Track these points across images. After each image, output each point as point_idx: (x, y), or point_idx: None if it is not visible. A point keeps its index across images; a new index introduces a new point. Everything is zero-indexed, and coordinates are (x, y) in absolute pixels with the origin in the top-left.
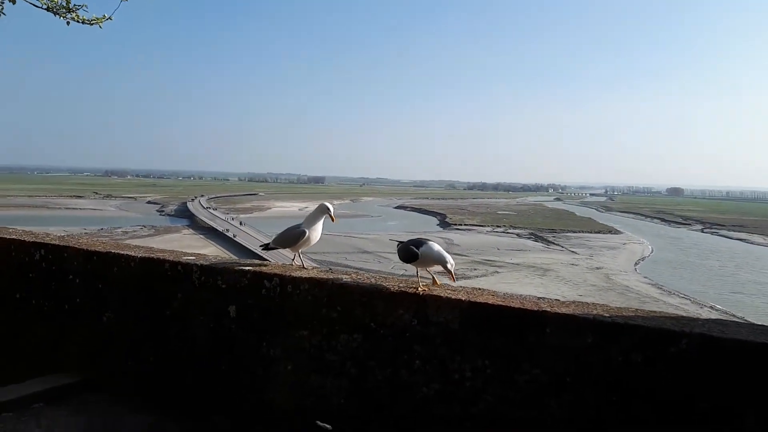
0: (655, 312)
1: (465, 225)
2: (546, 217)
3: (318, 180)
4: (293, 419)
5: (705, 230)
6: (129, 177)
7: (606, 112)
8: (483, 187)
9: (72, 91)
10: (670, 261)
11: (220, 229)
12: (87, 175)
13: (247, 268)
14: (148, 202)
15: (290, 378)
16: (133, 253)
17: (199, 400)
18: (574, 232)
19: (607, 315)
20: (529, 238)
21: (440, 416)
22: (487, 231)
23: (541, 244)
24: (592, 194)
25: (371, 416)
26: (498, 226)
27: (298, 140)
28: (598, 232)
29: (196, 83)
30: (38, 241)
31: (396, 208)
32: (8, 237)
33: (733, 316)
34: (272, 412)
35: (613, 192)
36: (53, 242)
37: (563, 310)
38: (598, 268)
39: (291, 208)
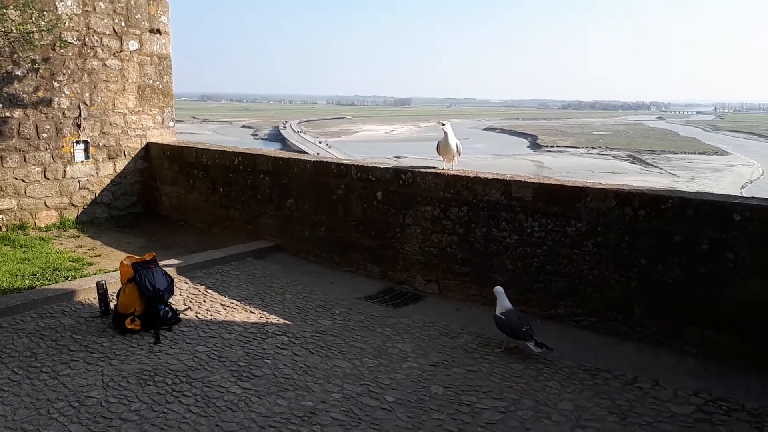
0: (657, 188)
1: (557, 147)
2: (646, 138)
3: (404, 102)
4: (422, 262)
5: None
6: (223, 101)
7: (716, 15)
8: (578, 106)
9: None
10: None
11: (310, 152)
12: (185, 100)
13: (389, 166)
14: (243, 126)
15: (419, 236)
16: (307, 158)
17: (357, 258)
18: (676, 153)
19: (626, 188)
20: (626, 160)
21: (516, 255)
22: (581, 153)
23: (638, 166)
24: (699, 112)
25: (472, 257)
26: (593, 148)
27: (385, 62)
28: (702, 153)
29: (285, 5)
30: (235, 150)
31: (484, 129)
32: (213, 148)
33: None
34: (406, 259)
35: (724, 110)
36: (246, 151)
37: (598, 186)
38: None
39: (377, 132)
